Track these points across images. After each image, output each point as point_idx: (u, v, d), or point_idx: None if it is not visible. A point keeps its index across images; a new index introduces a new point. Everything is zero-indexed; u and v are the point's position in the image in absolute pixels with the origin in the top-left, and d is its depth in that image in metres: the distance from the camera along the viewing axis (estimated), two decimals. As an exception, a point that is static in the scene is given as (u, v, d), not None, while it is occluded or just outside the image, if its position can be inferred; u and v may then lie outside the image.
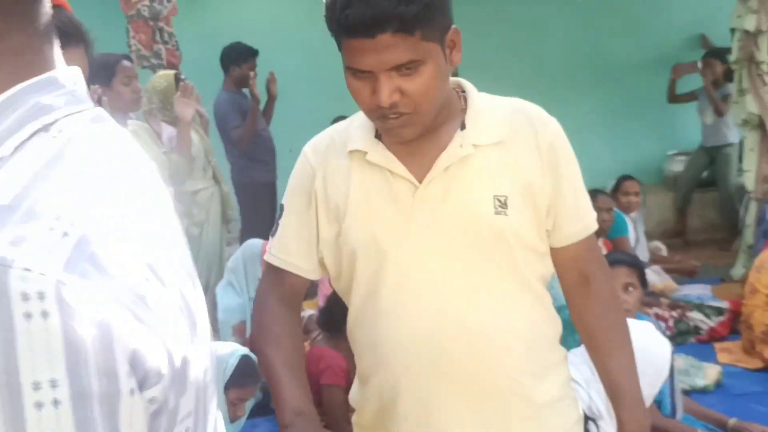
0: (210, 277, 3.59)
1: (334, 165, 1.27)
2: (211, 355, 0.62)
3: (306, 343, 2.95)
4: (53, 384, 0.44)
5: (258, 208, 4.31)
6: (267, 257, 1.33)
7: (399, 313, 1.22)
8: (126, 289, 0.49)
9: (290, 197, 1.32)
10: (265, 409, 2.97)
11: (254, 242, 3.53)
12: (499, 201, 1.19)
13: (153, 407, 0.50)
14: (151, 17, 4.46)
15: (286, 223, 1.31)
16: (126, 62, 3.16)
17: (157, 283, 0.52)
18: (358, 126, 1.27)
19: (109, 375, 0.46)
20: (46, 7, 0.57)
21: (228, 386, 2.37)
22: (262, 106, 4.47)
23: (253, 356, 2.36)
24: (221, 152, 4.28)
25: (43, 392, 0.44)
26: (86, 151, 0.54)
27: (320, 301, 3.50)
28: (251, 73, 4.29)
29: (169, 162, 3.19)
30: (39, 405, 0.43)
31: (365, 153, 1.23)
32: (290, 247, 1.30)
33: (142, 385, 0.48)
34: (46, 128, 0.53)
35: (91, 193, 0.51)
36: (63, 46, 0.60)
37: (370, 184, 1.23)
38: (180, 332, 0.54)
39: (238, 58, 4.42)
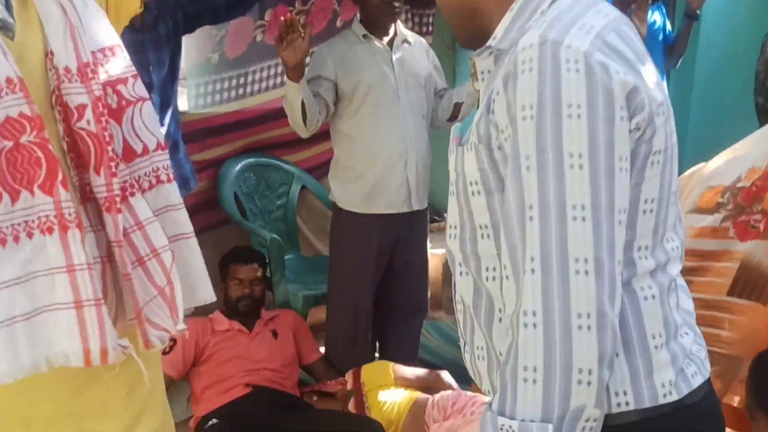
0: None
1: None
2: (673, 128, 0.98)
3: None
4: (578, 106, 0.84)
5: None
6: None
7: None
8: (625, 60, 0.89)
9: None
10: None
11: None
12: None
13: (637, 134, 0.88)
14: None
15: None
16: None
17: (637, 62, 0.92)
18: None
19: (610, 105, 0.85)
20: None
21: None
22: None
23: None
24: None
25: (573, 109, 0.84)
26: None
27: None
28: None
29: None
30: (569, 116, 0.84)
31: None
32: None
33: (631, 115, 0.87)
34: None
35: (597, 16, 0.93)
36: None
37: None
38: (657, 97, 0.91)
39: None
